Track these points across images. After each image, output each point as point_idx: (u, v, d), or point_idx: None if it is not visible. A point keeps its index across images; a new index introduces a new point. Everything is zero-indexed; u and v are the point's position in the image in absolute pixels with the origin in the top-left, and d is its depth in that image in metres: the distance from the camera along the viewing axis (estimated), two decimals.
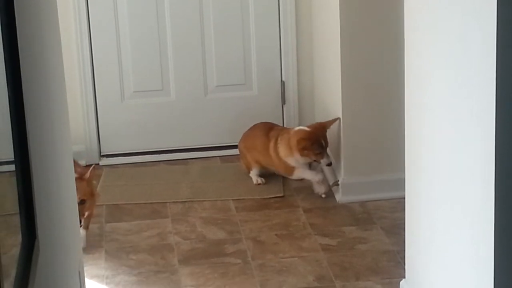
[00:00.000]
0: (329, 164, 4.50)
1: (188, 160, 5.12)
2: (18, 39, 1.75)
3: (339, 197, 4.47)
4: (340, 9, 4.28)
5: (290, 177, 4.62)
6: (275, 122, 4.97)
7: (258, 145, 4.72)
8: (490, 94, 2.24)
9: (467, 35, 2.54)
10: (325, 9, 4.70)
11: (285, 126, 5.15)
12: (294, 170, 4.56)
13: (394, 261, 3.81)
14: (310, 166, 4.59)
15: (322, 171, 4.62)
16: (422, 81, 3.02)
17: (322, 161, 4.48)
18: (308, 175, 4.54)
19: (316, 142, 4.46)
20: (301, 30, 5.08)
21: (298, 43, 5.10)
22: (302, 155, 4.50)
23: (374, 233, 4.11)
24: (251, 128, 4.85)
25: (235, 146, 4.96)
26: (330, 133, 4.54)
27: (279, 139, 4.61)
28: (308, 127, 4.60)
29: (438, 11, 2.79)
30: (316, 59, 5.03)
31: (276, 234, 4.14)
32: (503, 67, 2.12)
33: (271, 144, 4.63)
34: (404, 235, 3.34)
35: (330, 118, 4.56)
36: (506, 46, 2.10)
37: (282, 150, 4.57)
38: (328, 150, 4.53)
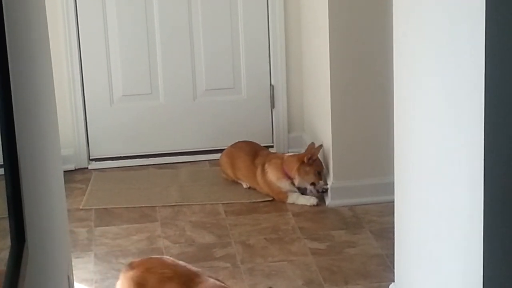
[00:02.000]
0: (325, 189, 4.45)
1: (177, 164, 5.12)
2: (7, 43, 1.75)
3: (328, 201, 4.47)
4: (329, 13, 4.29)
5: (283, 202, 4.51)
6: (264, 127, 4.96)
7: (243, 170, 4.69)
8: (478, 99, 2.25)
9: (455, 43, 2.55)
10: (314, 13, 4.70)
11: (274, 130, 5.15)
12: (288, 196, 4.51)
13: (383, 265, 3.81)
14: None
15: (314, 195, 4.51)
16: (411, 86, 3.02)
17: (319, 183, 4.45)
18: (302, 200, 4.47)
19: (317, 159, 4.46)
20: (290, 33, 5.09)
21: (287, 47, 5.10)
22: (302, 174, 4.46)
23: (363, 237, 4.11)
24: (234, 148, 4.78)
25: (223, 150, 4.95)
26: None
27: (266, 165, 4.57)
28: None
29: (427, 17, 2.80)
30: (305, 62, 5.03)
31: (265, 238, 4.13)
32: (491, 72, 2.12)
33: (258, 172, 4.60)
34: (393, 239, 3.34)
35: (321, 122, 4.56)
36: (494, 52, 2.10)
37: (274, 174, 4.53)
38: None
